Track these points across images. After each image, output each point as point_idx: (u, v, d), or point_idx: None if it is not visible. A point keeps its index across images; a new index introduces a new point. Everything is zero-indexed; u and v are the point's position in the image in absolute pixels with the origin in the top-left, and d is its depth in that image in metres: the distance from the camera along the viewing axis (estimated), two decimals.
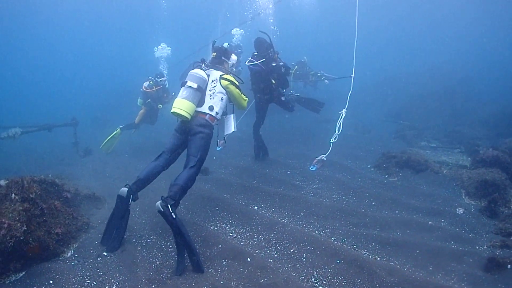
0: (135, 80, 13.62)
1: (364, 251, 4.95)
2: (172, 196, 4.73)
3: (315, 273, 4.39)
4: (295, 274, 4.38)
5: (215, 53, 6.13)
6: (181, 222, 4.59)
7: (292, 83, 12.52)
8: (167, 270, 4.57)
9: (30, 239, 4.63)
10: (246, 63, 7.83)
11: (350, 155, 9.77)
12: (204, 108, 5.56)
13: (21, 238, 4.48)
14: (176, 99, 5.45)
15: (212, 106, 5.58)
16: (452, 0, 32.82)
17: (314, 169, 7.46)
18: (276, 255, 4.84)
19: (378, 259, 4.74)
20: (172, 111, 5.38)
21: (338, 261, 4.56)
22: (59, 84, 38.21)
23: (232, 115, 6.15)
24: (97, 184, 8.16)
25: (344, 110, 6.98)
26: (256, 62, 7.62)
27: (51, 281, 4.37)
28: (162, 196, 4.70)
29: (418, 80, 20.37)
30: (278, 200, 6.69)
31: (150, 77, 10.84)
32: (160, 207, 4.51)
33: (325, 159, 7.18)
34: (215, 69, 5.85)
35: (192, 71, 5.65)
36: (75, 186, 6.75)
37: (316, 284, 4.21)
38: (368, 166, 8.89)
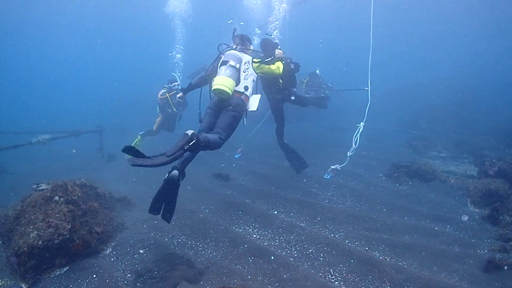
0: (151, 89, 14.01)
1: (375, 252, 5.48)
2: (202, 138, 4.77)
3: (331, 271, 4.93)
4: (314, 271, 4.91)
5: (239, 39, 6.44)
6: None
7: (303, 91, 12.83)
8: (199, 266, 5.08)
9: (75, 237, 5.18)
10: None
11: (362, 164, 10.25)
12: (240, 88, 5.78)
13: (67, 236, 5.04)
14: (217, 77, 5.60)
15: (247, 86, 5.84)
16: (462, 11, 32.93)
17: (328, 177, 7.97)
18: (296, 255, 5.37)
19: (388, 259, 5.27)
20: (215, 88, 5.51)
21: (352, 261, 5.09)
22: (77, 93, 38.92)
23: (258, 95, 6.24)
24: (126, 188, 8.53)
25: (362, 124, 7.22)
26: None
27: (94, 275, 4.86)
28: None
29: (428, 91, 20.65)
30: (296, 206, 7.20)
31: (165, 85, 11.26)
32: (192, 137, 4.63)
33: (339, 168, 7.65)
34: (244, 53, 6.14)
35: (229, 51, 5.89)
36: (109, 190, 7.26)
37: (332, 280, 4.75)
38: (380, 175, 9.37)
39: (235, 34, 6.55)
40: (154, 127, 11.66)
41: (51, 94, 39.51)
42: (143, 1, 35.41)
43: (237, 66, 5.69)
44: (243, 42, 6.41)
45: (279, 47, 6.89)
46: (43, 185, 6.13)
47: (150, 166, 4.42)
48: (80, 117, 23.10)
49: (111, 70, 49.04)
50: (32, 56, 49.69)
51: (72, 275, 4.89)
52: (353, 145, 7.16)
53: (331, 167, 7.85)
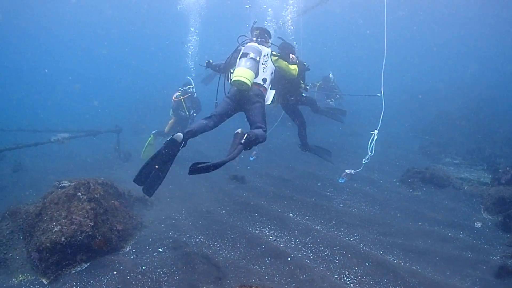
0: (165, 91, 14.09)
1: (390, 256, 5.58)
2: (252, 134, 4.94)
3: (346, 273, 5.04)
4: (329, 273, 5.03)
5: (258, 31, 6.56)
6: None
7: (315, 95, 12.80)
8: (217, 266, 5.18)
9: (97, 234, 5.34)
10: None
11: (376, 169, 10.35)
12: (259, 80, 5.84)
13: (90, 233, 5.22)
14: (237, 68, 5.65)
15: (266, 78, 5.92)
16: (480, 18, 32.78)
17: (343, 181, 8.04)
18: (312, 257, 5.49)
19: (402, 263, 5.37)
20: (235, 79, 5.56)
21: (367, 264, 5.20)
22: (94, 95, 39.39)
23: (273, 90, 6.29)
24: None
25: (376, 131, 7.19)
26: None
27: (115, 272, 5.00)
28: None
29: (443, 96, 20.61)
30: (311, 209, 7.32)
31: (180, 88, 11.38)
32: (243, 133, 4.84)
33: (353, 173, 7.74)
34: (263, 45, 6.18)
35: (250, 44, 5.96)
36: (128, 189, 7.42)
37: (348, 282, 4.86)
38: (394, 180, 9.45)
39: (254, 26, 6.70)
40: (166, 129, 11.71)
41: (70, 95, 40.02)
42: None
43: (257, 58, 5.76)
44: (262, 35, 6.54)
45: (296, 51, 6.94)
46: (64, 182, 6.31)
47: (212, 168, 4.67)
48: (97, 117, 23.43)
49: (127, 70, 49.56)
50: (50, 57, 50.47)
51: (92, 271, 5.03)
52: (369, 153, 7.12)
53: (346, 171, 7.93)
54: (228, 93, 5.99)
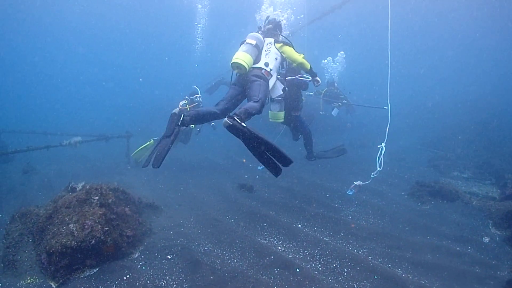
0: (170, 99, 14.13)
1: (398, 269, 5.58)
2: (237, 113, 4.88)
3: (355, 286, 5.04)
4: (338, 286, 5.04)
5: (270, 26, 6.82)
6: (253, 127, 4.71)
7: (321, 103, 12.86)
8: (226, 275, 5.19)
9: (108, 239, 5.37)
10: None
11: (385, 181, 10.34)
12: (261, 64, 6.06)
13: (101, 238, 5.26)
14: (235, 53, 5.92)
15: (268, 62, 6.10)
16: (488, 30, 32.77)
17: (351, 193, 8.08)
18: (320, 268, 5.51)
19: (411, 277, 5.37)
20: (232, 61, 5.83)
21: (375, 277, 5.21)
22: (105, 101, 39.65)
23: (282, 85, 6.58)
24: (153, 194, 8.81)
25: (383, 144, 7.31)
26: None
27: (124, 278, 5.03)
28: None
29: (451, 110, 20.57)
30: (319, 220, 7.33)
31: (186, 96, 11.28)
32: (228, 121, 4.65)
33: (361, 184, 7.75)
34: (269, 37, 6.53)
35: (250, 33, 6.22)
36: (138, 195, 7.47)
37: None
38: (402, 193, 9.43)
39: (268, 19, 6.97)
40: None
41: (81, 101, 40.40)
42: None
43: (254, 43, 6.00)
44: (273, 29, 6.80)
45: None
46: (78, 185, 6.39)
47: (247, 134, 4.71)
48: (110, 122, 23.63)
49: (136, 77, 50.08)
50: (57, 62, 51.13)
51: (101, 276, 5.06)
52: (378, 168, 7.21)
53: (354, 183, 7.96)
54: (234, 80, 6.28)
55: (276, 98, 6.62)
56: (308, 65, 6.76)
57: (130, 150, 12.66)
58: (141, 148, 11.77)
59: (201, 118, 5.64)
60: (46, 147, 9.54)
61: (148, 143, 11.72)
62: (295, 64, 6.66)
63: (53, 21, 38.42)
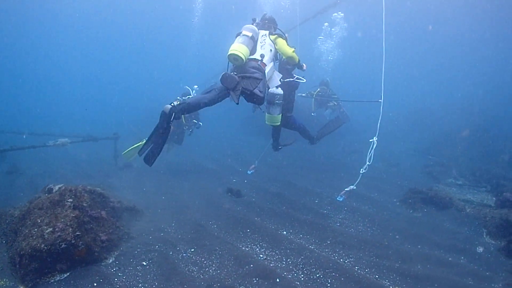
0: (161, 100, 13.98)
1: (385, 281, 5.28)
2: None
3: None
4: None
5: (267, 21, 6.91)
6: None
7: (313, 103, 12.59)
8: (202, 284, 4.94)
9: (80, 243, 5.14)
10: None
11: (376, 188, 10.08)
12: (256, 55, 6.16)
13: (72, 241, 5.03)
14: (232, 44, 5.97)
15: (263, 54, 6.19)
16: (486, 36, 32.78)
17: (341, 199, 7.83)
18: (303, 279, 5.21)
19: None
20: (229, 53, 5.87)
21: None
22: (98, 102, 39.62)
23: (280, 74, 6.78)
24: (136, 197, 8.59)
25: (375, 139, 7.18)
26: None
27: (95, 284, 4.81)
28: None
29: (447, 116, 20.49)
30: (306, 227, 7.04)
31: (178, 97, 10.93)
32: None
33: (354, 188, 7.51)
34: (264, 29, 6.58)
35: (245, 25, 6.27)
36: (118, 198, 7.25)
37: None
38: (394, 200, 9.17)
39: (265, 17, 7.04)
40: None
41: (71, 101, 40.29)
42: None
43: (250, 35, 6.07)
44: (268, 23, 6.90)
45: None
46: (55, 187, 6.20)
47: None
48: (100, 124, 23.46)
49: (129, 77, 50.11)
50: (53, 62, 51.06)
51: (72, 281, 4.87)
52: (367, 162, 7.10)
53: (345, 189, 7.72)
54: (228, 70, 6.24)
55: (277, 101, 6.82)
56: (297, 59, 6.79)
57: (117, 152, 12.42)
58: (133, 148, 11.49)
59: (190, 108, 5.95)
60: (31, 146, 9.41)
61: (140, 143, 11.42)
62: (284, 57, 6.73)
63: (42, 17, 38.45)
